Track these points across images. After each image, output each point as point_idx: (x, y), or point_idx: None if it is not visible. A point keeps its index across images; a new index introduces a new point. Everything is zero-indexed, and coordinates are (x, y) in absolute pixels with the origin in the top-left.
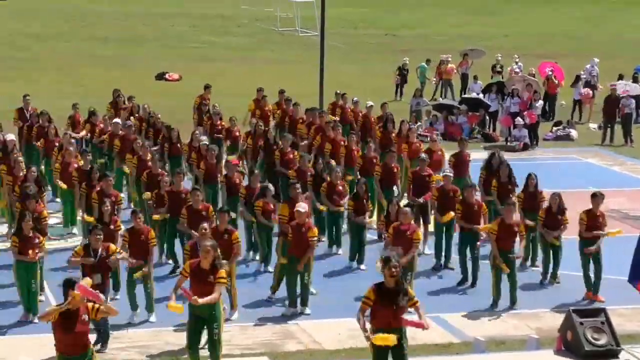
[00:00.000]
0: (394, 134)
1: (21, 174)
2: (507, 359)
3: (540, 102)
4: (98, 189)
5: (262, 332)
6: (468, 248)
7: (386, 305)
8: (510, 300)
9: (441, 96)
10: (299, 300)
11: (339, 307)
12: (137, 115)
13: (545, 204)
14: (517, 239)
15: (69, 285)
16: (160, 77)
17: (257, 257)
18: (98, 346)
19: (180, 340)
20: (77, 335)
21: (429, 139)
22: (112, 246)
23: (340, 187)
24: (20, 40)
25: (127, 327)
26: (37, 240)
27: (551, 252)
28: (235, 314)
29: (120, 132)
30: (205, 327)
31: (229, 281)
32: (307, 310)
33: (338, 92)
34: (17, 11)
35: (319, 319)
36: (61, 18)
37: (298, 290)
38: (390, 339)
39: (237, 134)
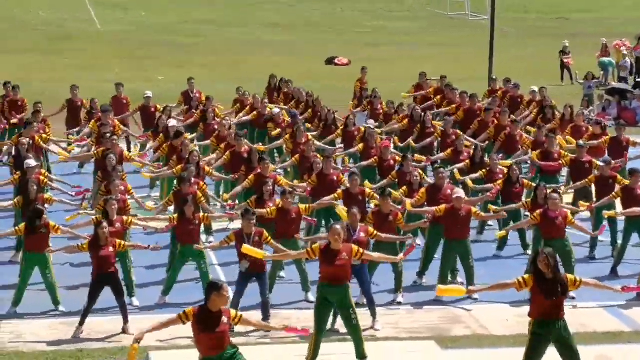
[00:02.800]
0: (557, 118)
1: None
2: None
3: None
4: (258, 171)
5: (429, 316)
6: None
7: (545, 295)
8: None
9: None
10: (461, 284)
11: (506, 292)
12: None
13: None
14: None
15: (213, 288)
16: (330, 61)
17: (418, 241)
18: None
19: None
20: (217, 335)
21: (594, 123)
22: (265, 232)
23: (500, 175)
24: (193, 27)
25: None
26: (197, 222)
27: None
28: (401, 297)
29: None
30: (335, 311)
31: (400, 264)
32: (475, 295)
33: (494, 77)
34: None
35: (487, 304)
36: (233, 5)
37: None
38: (455, 291)
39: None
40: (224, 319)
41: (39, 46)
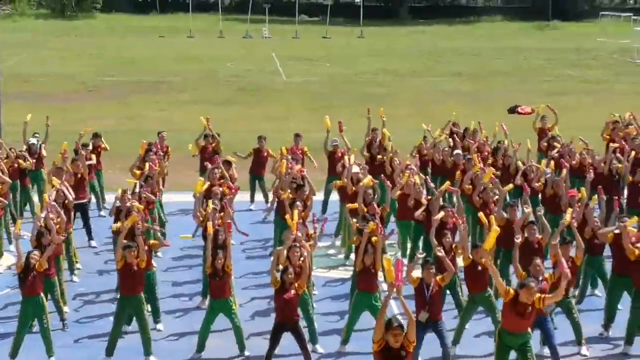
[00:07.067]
0: None
1: None
2: None
3: None
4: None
5: None
6: None
7: None
8: None
9: None
10: None
11: None
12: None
13: None
14: None
15: (385, 326)
16: (512, 110)
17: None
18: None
19: None
20: None
21: None
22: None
23: None
24: (380, 77)
25: None
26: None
27: None
28: (585, 349)
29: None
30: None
31: (576, 313)
32: None
33: None
34: (378, 50)
35: None
36: (418, 55)
37: None
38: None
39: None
40: (403, 353)
41: (227, 97)
